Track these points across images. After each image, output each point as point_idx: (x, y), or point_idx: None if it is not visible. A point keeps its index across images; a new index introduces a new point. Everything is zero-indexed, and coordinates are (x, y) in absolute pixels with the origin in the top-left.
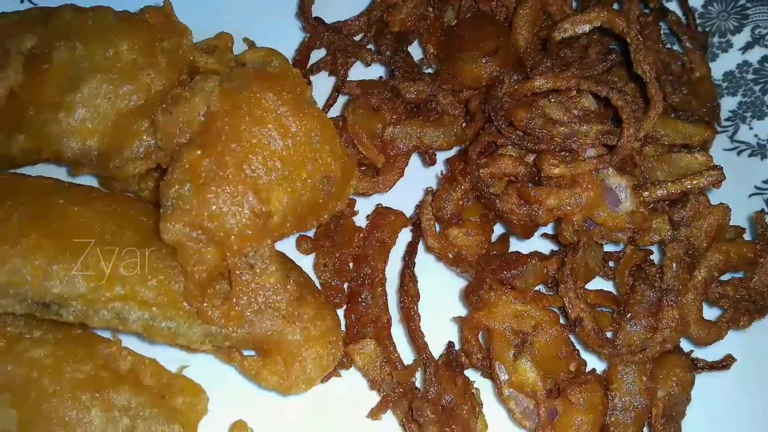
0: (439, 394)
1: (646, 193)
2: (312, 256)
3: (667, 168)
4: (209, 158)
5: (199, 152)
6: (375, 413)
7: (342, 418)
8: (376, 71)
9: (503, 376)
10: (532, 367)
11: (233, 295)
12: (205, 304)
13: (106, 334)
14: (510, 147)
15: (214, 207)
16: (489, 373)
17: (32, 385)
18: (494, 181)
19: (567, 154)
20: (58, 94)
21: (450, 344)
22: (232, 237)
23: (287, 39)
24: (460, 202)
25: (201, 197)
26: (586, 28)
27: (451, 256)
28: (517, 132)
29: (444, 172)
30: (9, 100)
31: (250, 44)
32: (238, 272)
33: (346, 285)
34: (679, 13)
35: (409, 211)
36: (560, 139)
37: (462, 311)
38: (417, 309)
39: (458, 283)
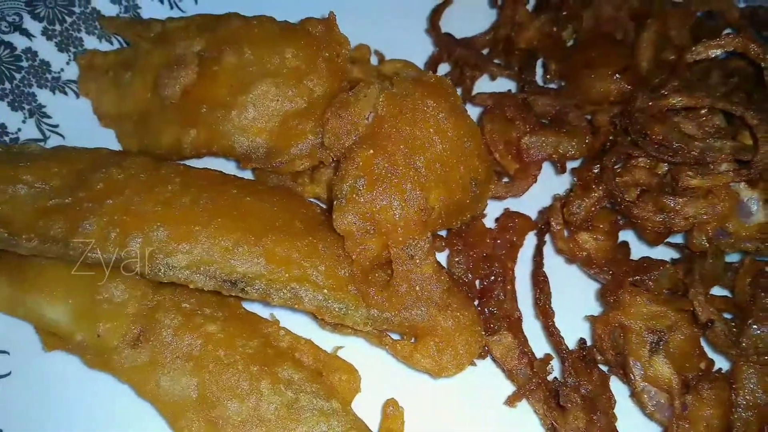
0: (578, 384)
1: None
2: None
3: None
4: (381, 157)
5: (371, 151)
6: (512, 401)
7: (480, 404)
8: (500, 85)
9: (638, 372)
10: (667, 363)
11: (394, 282)
12: (370, 290)
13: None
14: (641, 159)
15: (385, 201)
16: (620, 370)
17: (209, 356)
18: (627, 189)
19: (699, 167)
20: (230, 93)
21: (582, 340)
22: (399, 229)
23: (406, 52)
24: (592, 209)
25: (374, 191)
26: (719, 52)
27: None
28: (655, 145)
29: (572, 181)
30: (182, 97)
31: (381, 57)
32: (399, 261)
33: (477, 282)
34: None
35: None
36: (696, 153)
37: (578, 309)
38: (551, 306)
39: (579, 284)
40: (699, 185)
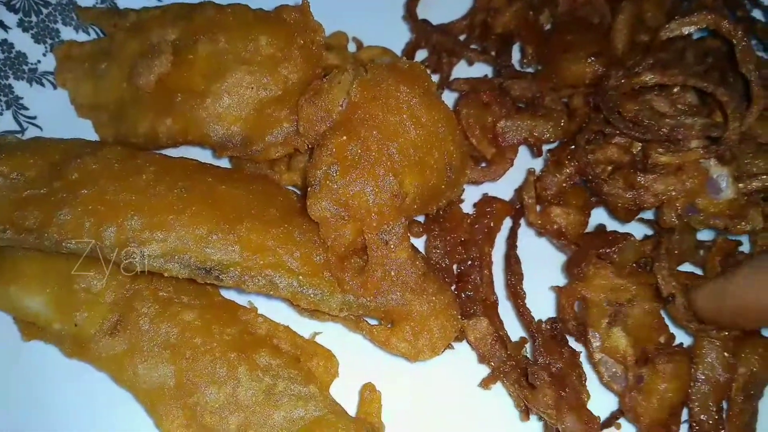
0: (548, 362)
1: (741, 185)
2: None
3: (762, 165)
4: (354, 143)
5: (344, 137)
6: (486, 383)
7: (455, 386)
8: (477, 70)
9: (596, 342)
10: (624, 335)
11: (369, 268)
12: (346, 275)
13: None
14: (616, 138)
15: (358, 186)
16: (581, 339)
17: (187, 344)
18: (599, 167)
19: (669, 144)
20: (204, 82)
21: (553, 320)
22: (373, 214)
23: (385, 39)
24: (564, 185)
25: (347, 177)
26: (692, 29)
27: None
28: (626, 122)
29: (546, 161)
30: (157, 86)
31: (359, 43)
32: (374, 247)
33: (454, 266)
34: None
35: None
36: (667, 130)
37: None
38: (522, 287)
39: (550, 260)
40: (669, 162)
